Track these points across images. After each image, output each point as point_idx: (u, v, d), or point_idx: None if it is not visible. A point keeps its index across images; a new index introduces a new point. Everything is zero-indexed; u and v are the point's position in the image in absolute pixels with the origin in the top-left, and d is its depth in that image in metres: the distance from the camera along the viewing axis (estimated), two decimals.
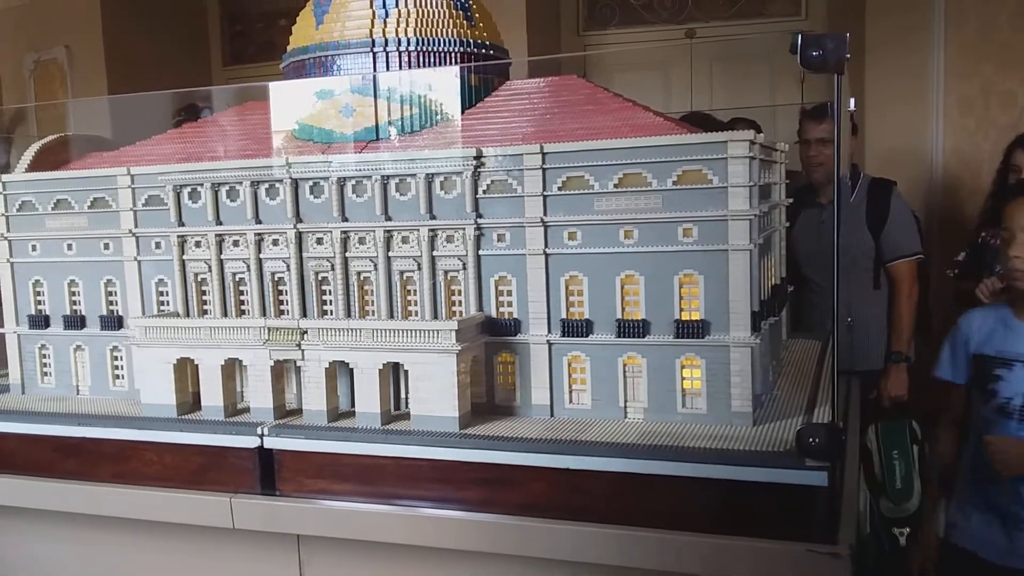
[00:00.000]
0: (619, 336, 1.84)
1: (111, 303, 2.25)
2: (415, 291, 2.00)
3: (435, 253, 1.96)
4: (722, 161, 1.72)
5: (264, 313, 2.09)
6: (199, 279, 2.15)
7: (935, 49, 4.52)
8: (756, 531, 1.58)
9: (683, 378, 1.82)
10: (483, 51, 2.17)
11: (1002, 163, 3.52)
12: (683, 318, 1.80)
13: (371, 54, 2.10)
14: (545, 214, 1.86)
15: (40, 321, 2.32)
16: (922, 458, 3.39)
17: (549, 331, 1.89)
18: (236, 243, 2.10)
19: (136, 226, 2.19)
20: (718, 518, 1.61)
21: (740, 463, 1.60)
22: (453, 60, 2.13)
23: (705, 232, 1.76)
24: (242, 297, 2.13)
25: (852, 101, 2.83)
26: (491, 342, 1.94)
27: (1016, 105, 4.48)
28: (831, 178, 3.13)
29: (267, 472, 1.93)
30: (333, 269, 2.03)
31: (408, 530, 1.83)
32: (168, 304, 2.19)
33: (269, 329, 1.95)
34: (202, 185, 2.10)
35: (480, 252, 1.93)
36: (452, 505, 1.80)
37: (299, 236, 2.05)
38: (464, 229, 1.92)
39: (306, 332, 1.93)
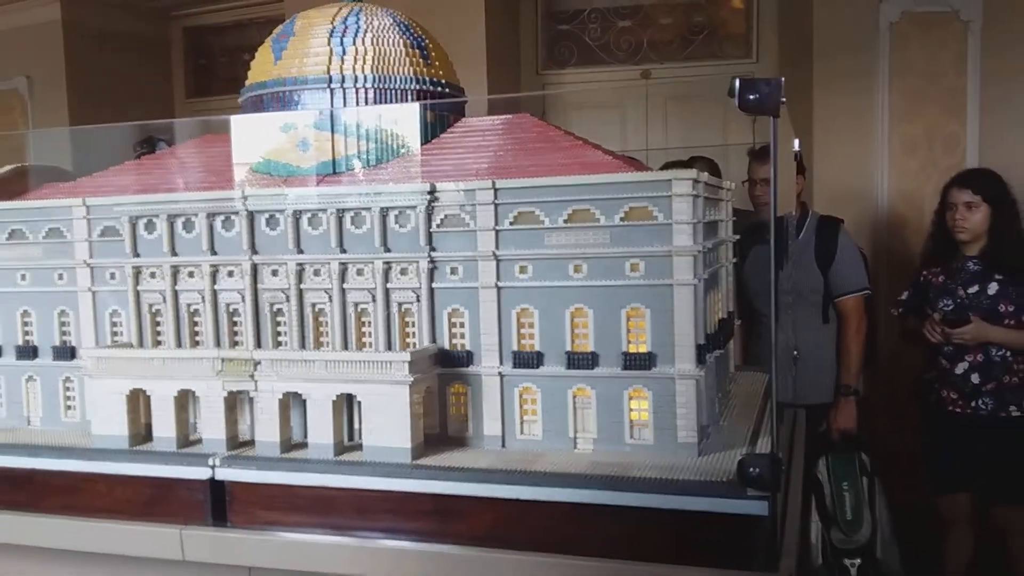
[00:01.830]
0: (569, 368, 1.88)
1: (64, 333, 2.24)
2: (369, 323, 2.02)
3: (389, 285, 1.99)
4: (667, 198, 1.78)
5: (218, 344, 2.09)
6: (154, 310, 2.16)
7: (880, 92, 4.68)
8: (700, 560, 1.61)
9: (631, 409, 1.85)
10: (439, 89, 2.22)
11: (940, 203, 3.64)
12: (631, 351, 1.84)
13: (328, 90, 2.14)
14: (497, 248, 1.90)
15: None
16: (872, 490, 3.48)
17: (501, 363, 1.93)
18: (191, 274, 2.12)
19: (91, 257, 2.19)
20: (664, 547, 1.64)
21: (683, 493, 1.64)
22: (409, 97, 2.18)
23: (651, 267, 1.81)
24: (197, 328, 2.13)
25: (797, 142, 2.92)
26: (444, 373, 1.96)
27: (959, 147, 4.64)
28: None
29: (218, 503, 1.92)
30: (288, 301, 2.05)
31: (360, 561, 1.84)
32: (122, 335, 2.19)
33: (222, 360, 1.96)
34: (158, 216, 2.11)
35: (434, 285, 1.96)
36: (404, 536, 1.81)
37: (254, 268, 2.06)
38: (418, 262, 1.95)
39: (259, 363, 1.94)
